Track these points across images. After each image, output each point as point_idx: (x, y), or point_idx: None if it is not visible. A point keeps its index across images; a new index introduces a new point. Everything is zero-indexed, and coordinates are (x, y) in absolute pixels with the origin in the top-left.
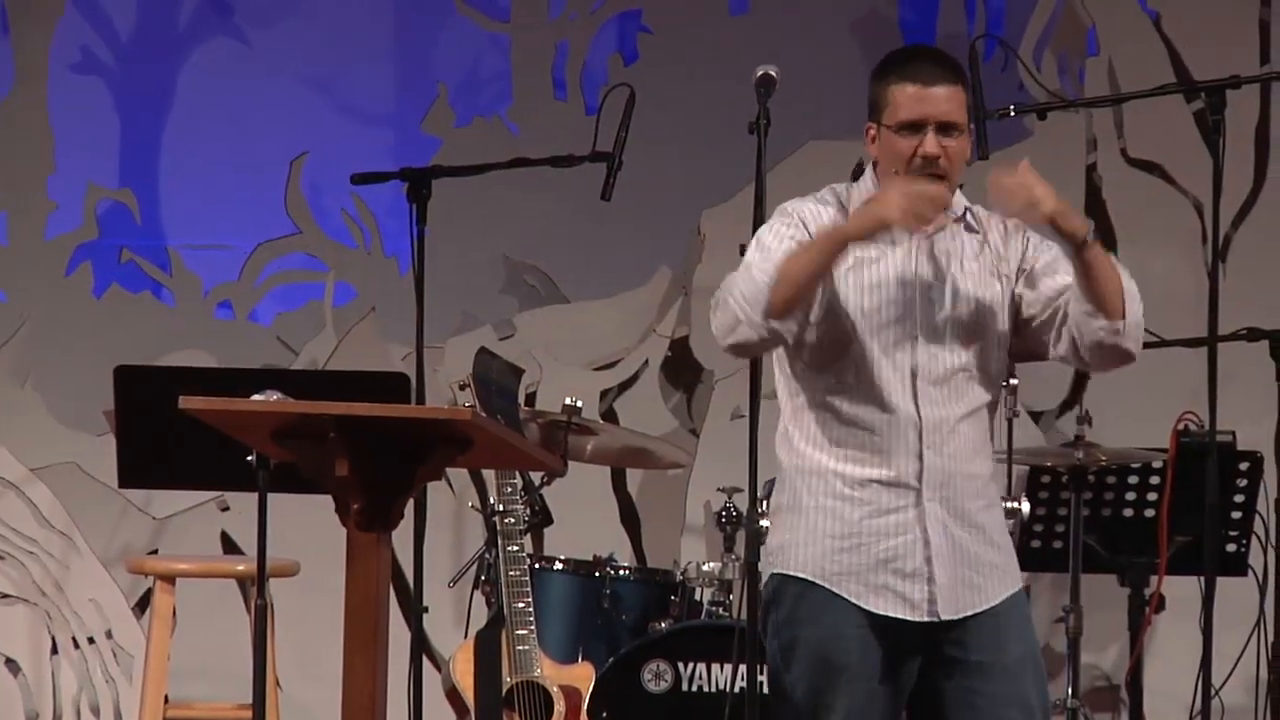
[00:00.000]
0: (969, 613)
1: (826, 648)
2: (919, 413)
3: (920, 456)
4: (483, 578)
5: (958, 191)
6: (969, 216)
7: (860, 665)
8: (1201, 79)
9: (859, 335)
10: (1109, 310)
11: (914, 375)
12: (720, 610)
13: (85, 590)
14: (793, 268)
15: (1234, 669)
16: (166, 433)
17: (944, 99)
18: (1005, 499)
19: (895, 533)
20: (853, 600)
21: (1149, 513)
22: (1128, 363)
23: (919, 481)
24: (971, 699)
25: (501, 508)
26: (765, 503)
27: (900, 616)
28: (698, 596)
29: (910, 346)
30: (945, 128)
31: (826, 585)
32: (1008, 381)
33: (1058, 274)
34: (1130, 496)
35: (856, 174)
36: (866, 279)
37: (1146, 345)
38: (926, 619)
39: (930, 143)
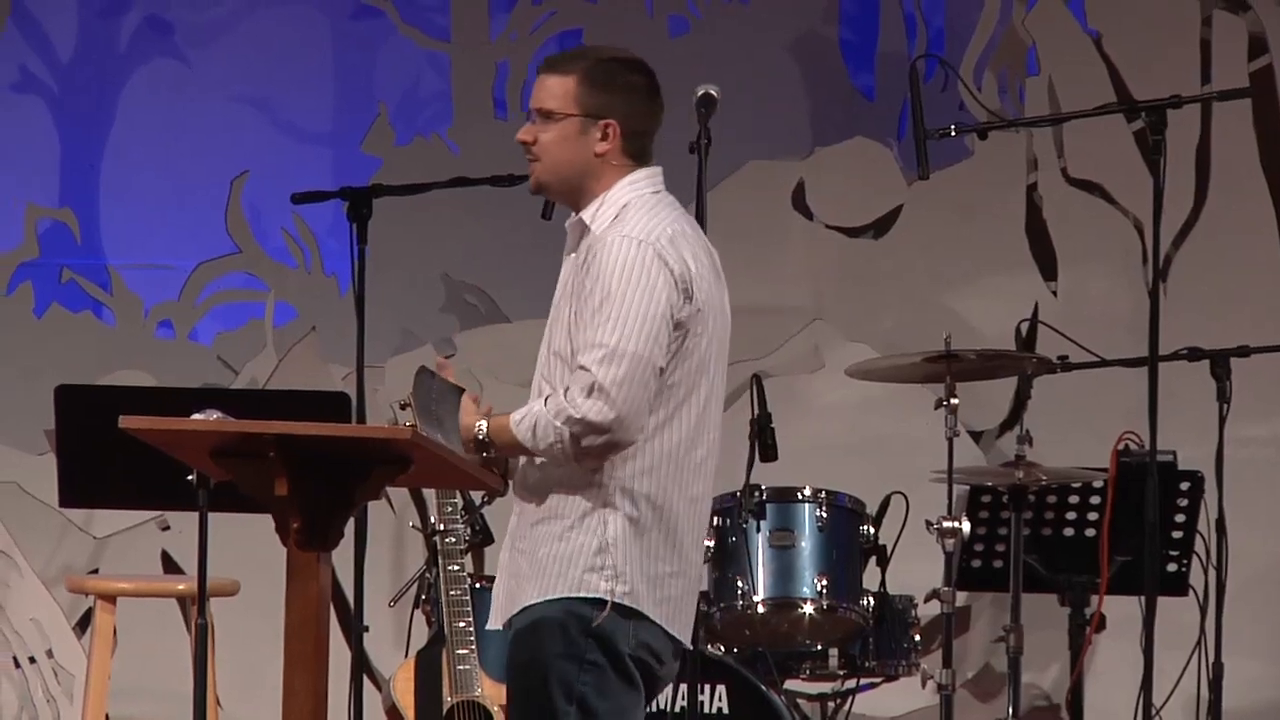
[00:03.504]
0: (505, 619)
1: None
2: None
3: None
4: (423, 597)
5: (597, 202)
6: (591, 225)
7: None
8: (1142, 99)
9: None
10: None
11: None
12: None
13: (26, 609)
14: None
15: (1174, 689)
16: (107, 452)
17: (540, 86)
18: (944, 518)
19: None
20: None
21: (1089, 532)
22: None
23: None
24: None
25: (442, 527)
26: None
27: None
28: None
29: None
30: (539, 114)
31: None
32: (947, 401)
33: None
34: (1071, 516)
35: (796, 195)
36: None
37: (1088, 365)
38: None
39: (523, 128)
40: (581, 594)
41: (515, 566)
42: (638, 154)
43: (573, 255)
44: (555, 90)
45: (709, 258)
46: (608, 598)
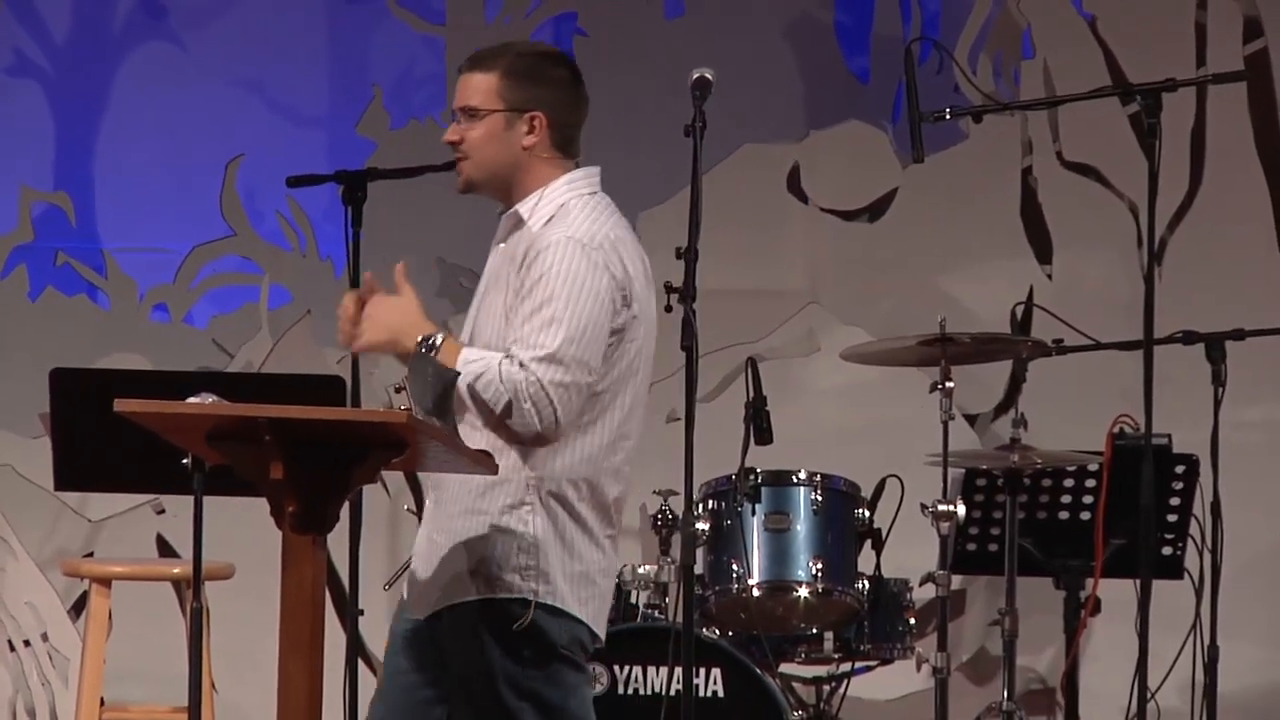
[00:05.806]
0: (429, 612)
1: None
2: None
3: None
4: None
5: (534, 197)
6: (527, 220)
7: (395, 650)
8: (1137, 82)
9: None
10: None
11: None
12: (656, 613)
13: (21, 593)
14: None
15: (1169, 672)
16: (102, 435)
17: (464, 85)
18: (939, 502)
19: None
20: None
21: (1084, 515)
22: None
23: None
24: (448, 696)
25: None
26: (700, 506)
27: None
28: (634, 599)
29: None
30: (464, 113)
31: None
32: (942, 385)
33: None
34: (1066, 499)
35: (791, 178)
36: None
37: (1083, 348)
38: (411, 614)
39: (449, 129)
40: (508, 595)
41: (443, 557)
42: (564, 145)
43: (501, 245)
44: (479, 87)
45: (643, 265)
46: (531, 598)
